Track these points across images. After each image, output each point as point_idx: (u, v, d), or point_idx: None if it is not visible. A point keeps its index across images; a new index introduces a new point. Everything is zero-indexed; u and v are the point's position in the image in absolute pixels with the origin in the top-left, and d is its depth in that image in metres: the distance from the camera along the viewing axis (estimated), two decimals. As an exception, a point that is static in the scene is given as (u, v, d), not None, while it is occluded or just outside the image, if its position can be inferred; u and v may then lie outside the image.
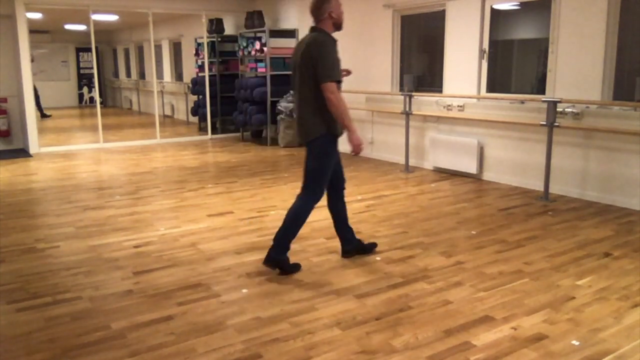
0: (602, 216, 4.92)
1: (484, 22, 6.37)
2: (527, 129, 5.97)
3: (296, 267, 3.68)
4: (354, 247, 3.94)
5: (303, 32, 9.28)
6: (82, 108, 16.62)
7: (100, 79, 16.31)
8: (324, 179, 3.56)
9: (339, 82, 3.37)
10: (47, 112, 14.28)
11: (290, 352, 2.63)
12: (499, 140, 6.32)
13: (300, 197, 3.59)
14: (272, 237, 4.36)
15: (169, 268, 3.75)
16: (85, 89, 16.93)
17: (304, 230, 4.54)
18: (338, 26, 3.52)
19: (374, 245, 4.05)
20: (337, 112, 3.35)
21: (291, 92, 9.28)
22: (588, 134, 5.43)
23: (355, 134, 3.41)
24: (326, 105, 3.37)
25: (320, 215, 5.01)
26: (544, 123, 5.42)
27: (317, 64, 3.31)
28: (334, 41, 3.45)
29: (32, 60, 14.17)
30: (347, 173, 6.93)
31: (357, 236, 4.03)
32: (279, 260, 3.60)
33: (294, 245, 4.17)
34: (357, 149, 3.44)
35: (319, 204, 5.39)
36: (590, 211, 5.09)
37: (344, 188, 3.81)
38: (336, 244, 4.17)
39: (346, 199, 5.56)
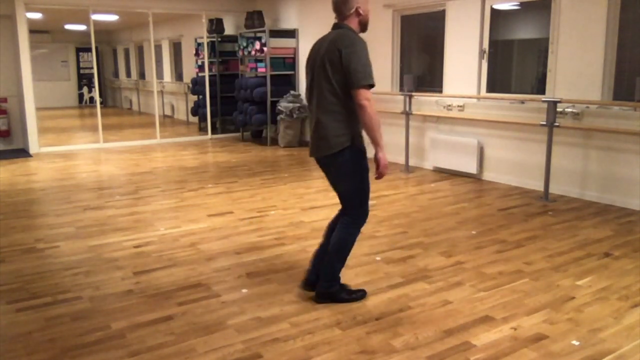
0: (602, 216, 4.92)
1: (484, 22, 6.37)
2: (527, 129, 5.97)
3: (360, 294, 3.21)
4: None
5: (303, 32, 9.28)
6: (82, 108, 16.61)
7: (100, 79, 16.31)
8: (366, 197, 3.07)
9: (372, 86, 2.88)
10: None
11: (290, 352, 2.63)
12: (499, 140, 6.32)
13: (342, 222, 3.09)
14: (273, 237, 4.39)
15: (169, 268, 3.75)
16: (85, 89, 16.92)
17: (303, 231, 4.55)
18: (364, 25, 3.05)
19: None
20: (369, 123, 2.86)
21: (289, 95, 9.27)
22: (588, 134, 5.43)
23: (384, 153, 2.95)
24: (353, 114, 2.92)
25: (320, 214, 5.01)
26: (544, 123, 5.42)
27: (348, 65, 2.83)
28: (364, 41, 2.94)
29: None
30: (347, 173, 6.93)
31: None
32: (332, 294, 3.14)
33: (294, 245, 4.18)
34: (384, 169, 2.96)
35: (321, 202, 5.40)
36: (590, 211, 5.09)
37: None
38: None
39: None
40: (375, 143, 2.93)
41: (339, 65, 2.86)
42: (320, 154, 3.05)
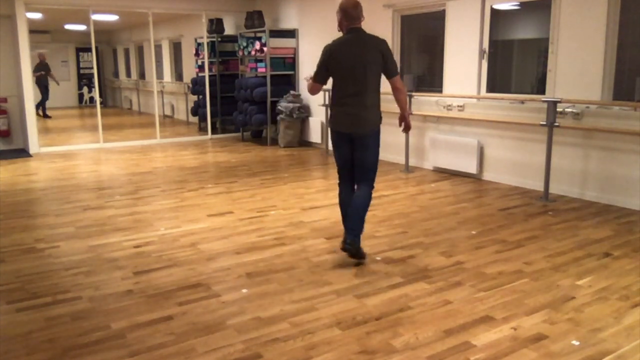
0: (602, 216, 4.92)
1: (484, 22, 6.37)
2: (527, 129, 5.97)
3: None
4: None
5: (303, 32, 9.28)
6: (82, 108, 16.60)
7: (100, 79, 16.28)
8: (377, 167, 3.92)
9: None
10: (48, 114, 14.32)
11: (290, 352, 2.63)
12: (499, 140, 6.32)
13: (363, 189, 3.84)
14: (273, 237, 4.39)
15: (169, 268, 3.75)
16: (85, 89, 16.90)
17: (304, 230, 4.55)
18: None
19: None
20: (405, 100, 3.84)
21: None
22: (588, 134, 5.43)
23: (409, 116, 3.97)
24: (380, 102, 3.81)
25: (320, 215, 5.01)
26: (544, 123, 5.42)
27: (387, 59, 3.69)
28: None
29: (46, 60, 14.19)
30: (347, 173, 6.93)
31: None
32: (360, 247, 3.78)
33: (294, 246, 4.18)
34: (410, 126, 3.98)
35: (321, 202, 5.40)
36: (590, 211, 5.09)
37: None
38: (336, 244, 4.17)
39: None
40: (406, 111, 3.90)
41: (381, 63, 3.69)
42: (362, 131, 3.77)
